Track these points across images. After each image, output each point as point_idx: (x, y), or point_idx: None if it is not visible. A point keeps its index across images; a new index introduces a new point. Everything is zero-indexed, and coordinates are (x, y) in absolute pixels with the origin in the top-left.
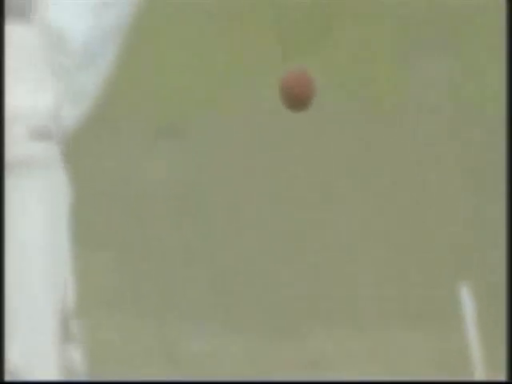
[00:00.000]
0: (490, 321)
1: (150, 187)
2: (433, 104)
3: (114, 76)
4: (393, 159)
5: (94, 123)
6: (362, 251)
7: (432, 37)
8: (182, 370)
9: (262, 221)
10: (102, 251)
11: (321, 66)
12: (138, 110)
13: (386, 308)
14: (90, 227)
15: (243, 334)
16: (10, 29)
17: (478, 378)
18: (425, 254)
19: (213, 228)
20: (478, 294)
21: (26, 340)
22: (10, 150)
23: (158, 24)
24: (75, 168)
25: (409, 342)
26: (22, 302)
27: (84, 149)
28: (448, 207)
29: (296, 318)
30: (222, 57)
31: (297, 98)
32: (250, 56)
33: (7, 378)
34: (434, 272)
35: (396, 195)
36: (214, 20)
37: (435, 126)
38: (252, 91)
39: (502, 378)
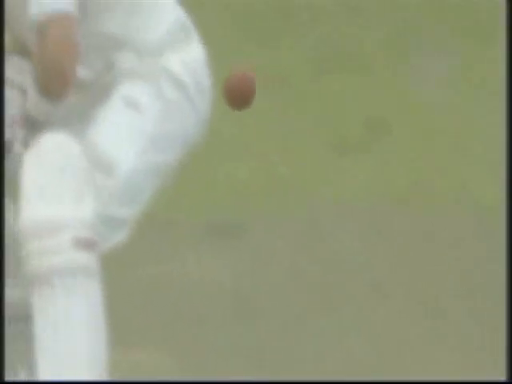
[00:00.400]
0: None
1: (201, 288)
2: None
3: None
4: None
5: (142, 222)
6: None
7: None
8: None
9: (315, 325)
10: (154, 350)
11: (373, 164)
12: (189, 208)
13: None
14: (142, 326)
15: None
16: (58, 138)
17: None
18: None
19: (266, 331)
20: None
21: None
22: (54, 258)
23: (213, 122)
24: (126, 270)
25: None
26: None
27: (133, 248)
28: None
29: None
30: (280, 154)
31: (241, 96)
32: (309, 153)
33: None
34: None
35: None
36: (268, 120)
37: None
38: (311, 190)
39: (502, 377)
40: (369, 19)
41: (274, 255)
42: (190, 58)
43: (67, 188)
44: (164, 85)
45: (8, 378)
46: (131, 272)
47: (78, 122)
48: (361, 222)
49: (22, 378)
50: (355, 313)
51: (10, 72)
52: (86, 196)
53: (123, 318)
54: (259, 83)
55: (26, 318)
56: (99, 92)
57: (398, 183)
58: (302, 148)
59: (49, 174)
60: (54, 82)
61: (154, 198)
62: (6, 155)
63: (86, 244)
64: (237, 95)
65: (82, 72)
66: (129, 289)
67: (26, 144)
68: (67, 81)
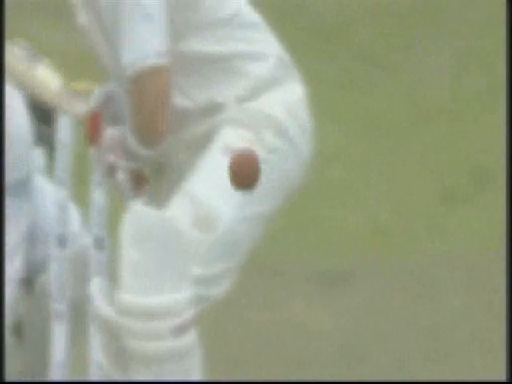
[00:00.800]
0: None
1: (308, 335)
2: None
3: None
4: None
5: (250, 268)
6: None
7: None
8: None
9: (422, 373)
10: None
11: (479, 213)
12: (296, 255)
13: None
14: (246, 371)
15: None
16: (153, 214)
17: None
18: None
19: (372, 380)
20: None
21: None
22: (152, 344)
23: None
24: (233, 315)
25: None
26: None
27: (242, 294)
28: None
29: None
30: (386, 201)
31: (246, 178)
32: (415, 202)
33: None
34: None
35: None
36: (374, 168)
37: None
38: (417, 239)
39: (502, 377)
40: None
41: (380, 303)
42: (291, 99)
43: (164, 269)
44: (265, 132)
45: None
46: (238, 317)
47: (182, 153)
48: (466, 272)
49: None
50: (462, 361)
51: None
52: (185, 271)
53: (228, 362)
54: (362, 131)
55: None
56: (202, 129)
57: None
58: (408, 196)
59: (147, 256)
60: (148, 135)
61: (262, 246)
62: (110, 178)
63: (184, 327)
64: (242, 177)
65: (184, 102)
66: (235, 334)
67: (129, 173)
68: (160, 134)
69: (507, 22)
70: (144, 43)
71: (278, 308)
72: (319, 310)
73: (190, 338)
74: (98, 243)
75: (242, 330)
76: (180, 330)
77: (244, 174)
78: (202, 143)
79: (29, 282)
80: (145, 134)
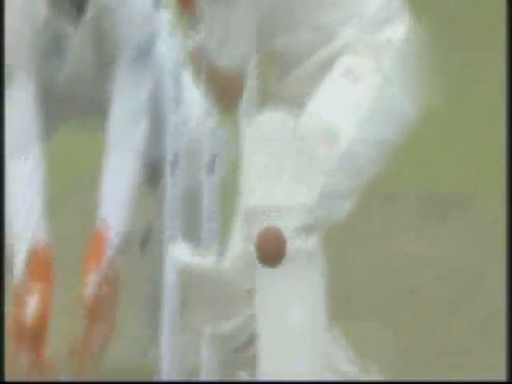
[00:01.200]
0: None
1: (419, 264)
2: None
3: None
4: None
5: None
6: None
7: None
8: None
9: None
10: (369, 321)
11: None
12: (409, 182)
13: None
14: (362, 301)
15: None
16: (279, 118)
17: None
18: None
19: (482, 310)
20: None
21: None
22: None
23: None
24: (347, 246)
25: None
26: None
27: (357, 223)
28: None
29: None
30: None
31: (271, 254)
32: None
33: None
34: None
35: None
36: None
37: None
38: None
39: (502, 377)
40: None
41: (494, 229)
42: (402, 36)
43: (288, 172)
44: (384, 57)
45: None
46: (353, 248)
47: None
48: None
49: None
50: None
51: None
52: (307, 177)
53: (345, 293)
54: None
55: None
56: (316, 61)
57: None
58: None
59: (270, 158)
60: (220, 109)
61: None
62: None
63: (306, 230)
64: (267, 253)
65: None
66: (348, 265)
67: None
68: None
69: (507, 22)
70: (232, 51)
71: (391, 235)
72: (432, 236)
73: (311, 243)
74: (211, 166)
75: (355, 258)
76: (301, 232)
77: (269, 250)
78: (315, 76)
79: (154, 184)
80: (217, 107)
